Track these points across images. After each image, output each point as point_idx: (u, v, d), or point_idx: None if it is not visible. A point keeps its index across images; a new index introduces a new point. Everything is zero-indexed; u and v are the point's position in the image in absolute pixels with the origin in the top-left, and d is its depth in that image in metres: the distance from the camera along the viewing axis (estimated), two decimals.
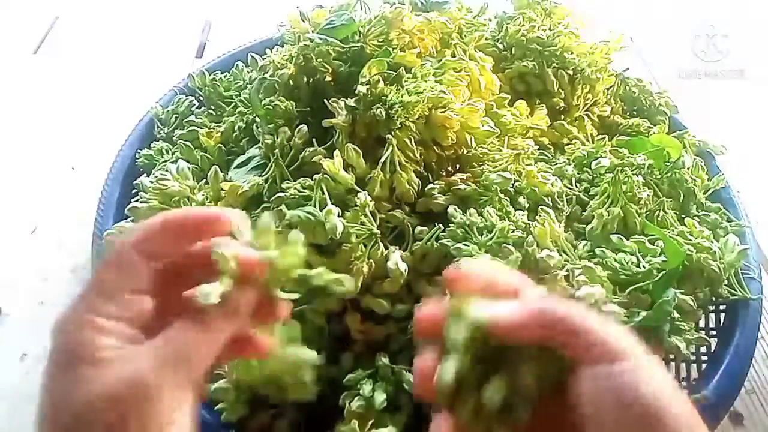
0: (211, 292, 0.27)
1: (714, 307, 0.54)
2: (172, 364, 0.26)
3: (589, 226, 0.53)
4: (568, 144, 0.64)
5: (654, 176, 0.58)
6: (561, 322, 0.27)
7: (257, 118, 0.57)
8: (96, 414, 0.24)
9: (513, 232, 0.48)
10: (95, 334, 0.26)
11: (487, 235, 0.48)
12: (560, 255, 0.48)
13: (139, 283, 0.28)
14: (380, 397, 0.43)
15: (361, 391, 0.44)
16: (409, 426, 0.44)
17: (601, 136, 0.65)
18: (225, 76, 0.70)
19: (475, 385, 0.28)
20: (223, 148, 0.60)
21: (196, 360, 0.27)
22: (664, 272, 0.48)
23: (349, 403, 0.43)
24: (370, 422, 0.43)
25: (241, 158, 0.56)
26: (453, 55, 0.58)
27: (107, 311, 0.26)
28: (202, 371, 0.27)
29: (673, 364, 0.53)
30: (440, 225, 0.50)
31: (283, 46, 0.63)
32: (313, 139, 0.52)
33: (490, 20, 0.69)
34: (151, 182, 0.53)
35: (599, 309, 0.45)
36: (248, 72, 0.70)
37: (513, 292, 0.30)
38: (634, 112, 0.72)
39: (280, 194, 0.49)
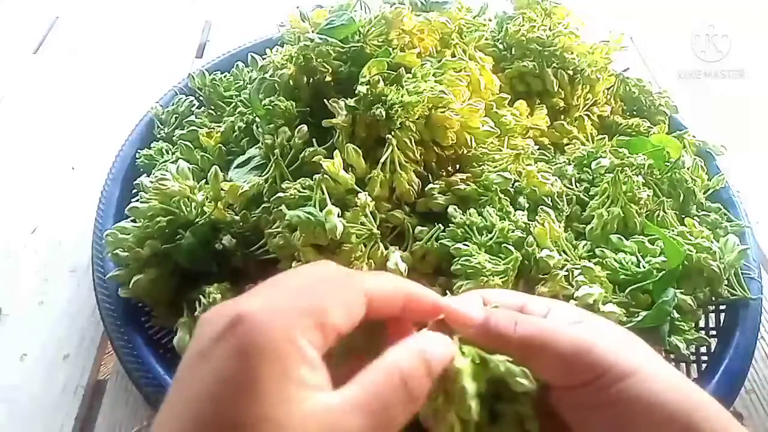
0: None
1: (714, 306, 0.54)
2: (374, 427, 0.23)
3: (589, 226, 0.53)
4: (568, 144, 0.64)
5: (654, 176, 0.58)
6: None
7: (257, 118, 0.57)
8: None
9: (513, 232, 0.48)
10: (303, 349, 0.23)
11: (487, 235, 0.48)
12: (560, 255, 0.48)
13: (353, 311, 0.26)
14: None
15: None
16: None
17: (601, 136, 0.65)
18: (225, 76, 0.70)
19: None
20: (223, 148, 0.60)
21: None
22: (663, 272, 0.48)
23: None
24: None
25: (241, 158, 0.56)
26: (453, 55, 0.58)
27: (328, 318, 0.24)
28: None
29: (672, 364, 0.52)
30: (440, 225, 0.50)
31: (283, 46, 0.63)
32: (313, 139, 0.52)
33: (490, 20, 0.69)
34: (151, 182, 0.53)
35: (597, 309, 0.45)
36: (248, 72, 0.70)
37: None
38: (634, 112, 0.72)
39: (280, 194, 0.49)
